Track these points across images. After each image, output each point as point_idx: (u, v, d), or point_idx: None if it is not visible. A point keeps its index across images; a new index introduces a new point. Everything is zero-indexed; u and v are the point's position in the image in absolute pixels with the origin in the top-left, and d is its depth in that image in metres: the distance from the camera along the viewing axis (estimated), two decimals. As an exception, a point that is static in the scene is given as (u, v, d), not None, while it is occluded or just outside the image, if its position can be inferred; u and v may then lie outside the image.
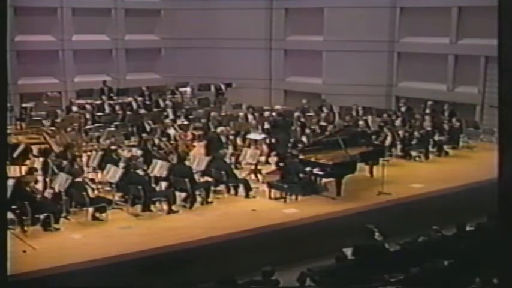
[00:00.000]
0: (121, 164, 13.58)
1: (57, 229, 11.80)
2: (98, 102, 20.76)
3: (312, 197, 13.79)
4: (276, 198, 13.83)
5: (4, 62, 7.74)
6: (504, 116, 7.43)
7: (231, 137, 16.99)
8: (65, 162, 13.81)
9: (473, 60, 20.66)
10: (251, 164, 15.29)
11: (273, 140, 16.94)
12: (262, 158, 16.17)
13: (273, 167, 15.34)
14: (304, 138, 17.05)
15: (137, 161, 14.22)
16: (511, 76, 7.36)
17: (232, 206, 13.51)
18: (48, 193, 12.77)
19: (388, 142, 17.14)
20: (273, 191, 13.91)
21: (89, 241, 11.46)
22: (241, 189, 14.10)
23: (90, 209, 12.42)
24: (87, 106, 19.91)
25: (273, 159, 15.74)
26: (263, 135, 17.33)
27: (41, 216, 11.74)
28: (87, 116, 19.19)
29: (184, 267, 10.79)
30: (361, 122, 18.58)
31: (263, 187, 14.27)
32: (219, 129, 17.32)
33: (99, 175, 14.31)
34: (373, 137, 17.19)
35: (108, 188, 13.65)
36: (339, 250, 9.84)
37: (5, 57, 7.76)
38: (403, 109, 20.67)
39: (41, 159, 14.20)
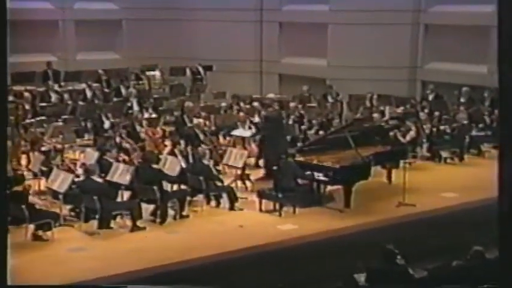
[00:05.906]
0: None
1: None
2: (41, 89, 20.77)
3: (314, 209, 13.90)
4: (268, 211, 13.93)
5: (4, 62, 8.13)
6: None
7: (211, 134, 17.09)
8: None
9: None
10: (237, 167, 15.35)
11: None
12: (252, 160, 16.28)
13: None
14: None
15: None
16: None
17: (213, 221, 13.58)
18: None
19: (408, 138, 17.20)
20: (264, 201, 14.00)
21: (29, 267, 11.45)
22: (224, 200, 14.18)
23: (31, 226, 12.43)
24: (26, 94, 19.89)
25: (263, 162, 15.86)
26: (252, 131, 17.41)
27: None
28: (27, 106, 19.18)
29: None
30: (376, 115, 18.66)
31: (252, 197, 14.36)
32: (195, 121, 17.37)
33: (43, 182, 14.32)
34: (392, 133, 17.26)
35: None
36: (348, 275, 9.91)
37: (5, 57, 8.13)
38: (430, 97, 20.81)
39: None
